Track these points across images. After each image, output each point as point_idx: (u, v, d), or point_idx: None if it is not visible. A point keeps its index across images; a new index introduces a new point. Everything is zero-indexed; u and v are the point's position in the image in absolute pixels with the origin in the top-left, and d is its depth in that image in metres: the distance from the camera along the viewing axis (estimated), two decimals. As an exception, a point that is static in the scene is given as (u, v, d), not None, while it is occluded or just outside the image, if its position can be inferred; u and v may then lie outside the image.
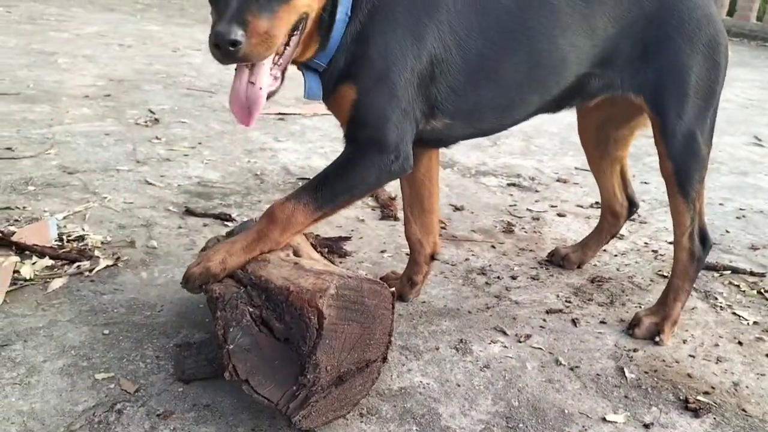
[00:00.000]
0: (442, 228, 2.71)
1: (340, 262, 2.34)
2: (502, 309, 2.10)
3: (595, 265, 2.49)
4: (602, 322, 2.08)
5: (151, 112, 4.08)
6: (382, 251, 2.47)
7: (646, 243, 2.76)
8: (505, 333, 1.96)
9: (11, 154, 3.08)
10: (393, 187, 3.09)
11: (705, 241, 2.00)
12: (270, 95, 1.50)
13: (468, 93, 1.75)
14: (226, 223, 2.58)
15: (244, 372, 1.44)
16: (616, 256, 2.60)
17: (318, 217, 1.67)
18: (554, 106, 1.93)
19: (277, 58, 1.49)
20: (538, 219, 2.91)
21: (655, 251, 2.68)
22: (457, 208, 2.96)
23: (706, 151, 1.92)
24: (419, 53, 1.65)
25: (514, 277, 2.33)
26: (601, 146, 2.31)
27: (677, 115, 1.84)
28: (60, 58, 5.32)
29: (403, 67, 1.63)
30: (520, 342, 1.92)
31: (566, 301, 2.20)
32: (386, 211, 2.81)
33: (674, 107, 1.84)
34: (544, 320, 2.06)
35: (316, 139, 3.87)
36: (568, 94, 1.88)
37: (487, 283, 2.27)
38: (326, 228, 2.62)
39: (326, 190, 1.65)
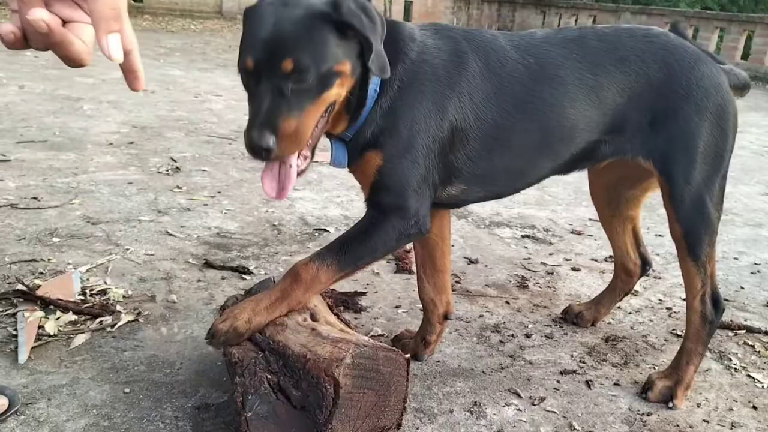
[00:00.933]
0: (456, 282, 2.75)
1: (356, 318, 2.38)
2: (516, 369, 2.12)
3: (609, 322, 2.50)
4: (616, 384, 2.09)
5: (173, 160, 4.18)
6: (397, 306, 2.50)
7: (660, 300, 2.77)
8: (519, 395, 1.97)
9: (37, 204, 3.18)
10: (408, 239, 3.14)
11: (717, 304, 2.01)
12: (301, 173, 1.59)
13: (483, 159, 1.83)
14: (243, 276, 2.63)
15: None
16: (630, 313, 2.61)
17: (339, 278, 1.74)
18: (565, 169, 2.00)
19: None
20: (552, 273, 2.94)
21: (669, 308, 2.69)
22: (471, 261, 2.99)
23: (716, 215, 1.96)
24: (441, 123, 1.73)
25: (528, 336, 2.35)
26: (612, 206, 2.36)
27: (685, 181, 1.90)
28: (85, 104, 5.48)
29: (426, 137, 1.72)
30: (534, 405, 1.94)
31: (580, 361, 2.21)
32: (401, 264, 2.85)
33: (683, 173, 1.90)
34: (558, 381, 2.07)
35: (333, 188, 3.94)
36: (578, 158, 1.95)
37: (501, 341, 2.29)
38: (342, 282, 2.65)
39: (349, 252, 1.71)
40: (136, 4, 14.31)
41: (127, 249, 2.78)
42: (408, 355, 1.63)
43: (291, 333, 1.63)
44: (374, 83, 1.66)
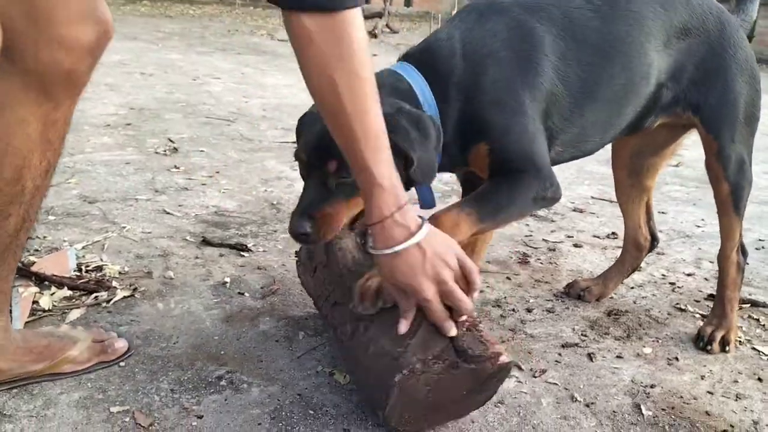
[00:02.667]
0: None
1: (355, 294, 2.35)
2: (517, 343, 2.09)
3: (611, 297, 2.47)
4: (618, 357, 2.06)
5: (171, 141, 4.14)
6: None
7: (663, 275, 2.74)
8: (519, 368, 1.95)
9: (50, 219, 3.13)
10: (408, 217, 3.11)
11: (745, 253, 2.19)
12: None
13: (576, 117, 1.81)
14: (242, 253, 2.60)
15: None
16: (632, 288, 2.58)
17: (479, 229, 1.68)
18: (639, 119, 1.98)
19: None
20: (554, 250, 2.90)
21: (672, 283, 2.65)
22: (472, 239, 2.95)
23: (751, 175, 2.08)
24: (532, 95, 1.71)
25: (529, 310, 2.32)
26: (633, 175, 2.34)
27: (731, 140, 1.97)
28: (83, 87, 5.43)
29: (524, 116, 1.69)
30: (535, 377, 1.91)
31: (582, 334, 2.18)
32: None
33: (729, 132, 1.97)
34: (560, 354, 2.04)
35: (333, 168, 3.90)
36: (649, 105, 1.94)
37: (502, 315, 2.26)
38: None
39: (488, 204, 1.68)
40: None
41: (124, 227, 2.75)
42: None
43: None
44: (432, 112, 1.67)
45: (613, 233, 3.14)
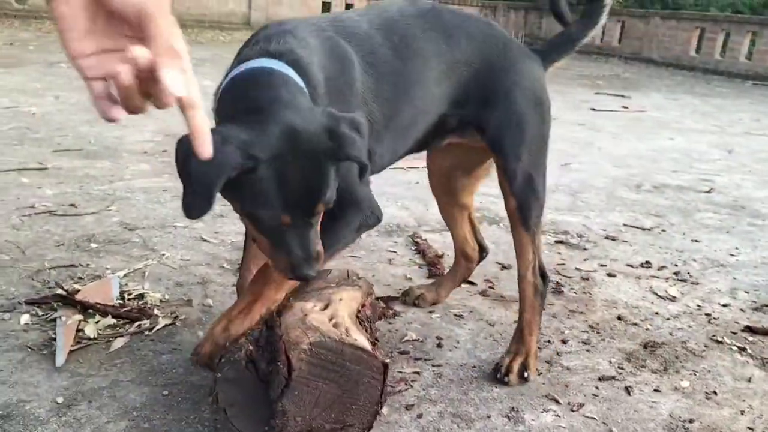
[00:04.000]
0: (490, 288, 2.73)
1: (389, 323, 2.37)
2: (553, 375, 2.09)
3: (647, 329, 2.46)
4: (656, 390, 2.05)
5: (205, 167, 4.23)
6: (431, 312, 2.49)
7: (698, 306, 2.71)
8: (557, 401, 1.95)
9: (75, 211, 3.23)
10: (440, 244, 3.13)
11: (544, 276, 2.16)
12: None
13: (380, 147, 1.89)
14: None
15: (224, 401, 1.54)
16: (668, 319, 2.56)
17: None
18: (424, 143, 2.11)
19: None
20: (587, 279, 2.90)
21: (708, 315, 2.63)
22: (504, 267, 2.96)
23: (543, 196, 2.12)
24: None
25: (564, 341, 2.32)
26: (450, 194, 2.49)
27: (516, 157, 2.05)
28: (119, 114, 5.57)
29: None
30: (572, 411, 1.91)
31: (619, 367, 2.17)
32: (433, 270, 2.84)
33: (513, 150, 2.04)
34: (597, 388, 2.04)
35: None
36: (436, 131, 2.06)
37: (537, 347, 2.26)
38: (375, 287, 2.65)
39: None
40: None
41: (164, 254, 2.81)
42: (387, 361, 1.63)
43: (290, 315, 1.65)
44: None
45: (647, 262, 3.13)
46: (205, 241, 3.02)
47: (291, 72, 1.60)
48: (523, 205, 2.07)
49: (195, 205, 1.38)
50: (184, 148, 1.30)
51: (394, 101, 1.89)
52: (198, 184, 1.35)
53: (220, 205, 3.59)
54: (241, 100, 1.52)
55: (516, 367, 2.06)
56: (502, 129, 2.04)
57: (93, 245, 2.83)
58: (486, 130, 2.04)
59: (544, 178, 2.13)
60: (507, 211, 2.11)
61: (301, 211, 1.47)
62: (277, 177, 1.42)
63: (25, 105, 5.60)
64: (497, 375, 2.06)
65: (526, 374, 2.05)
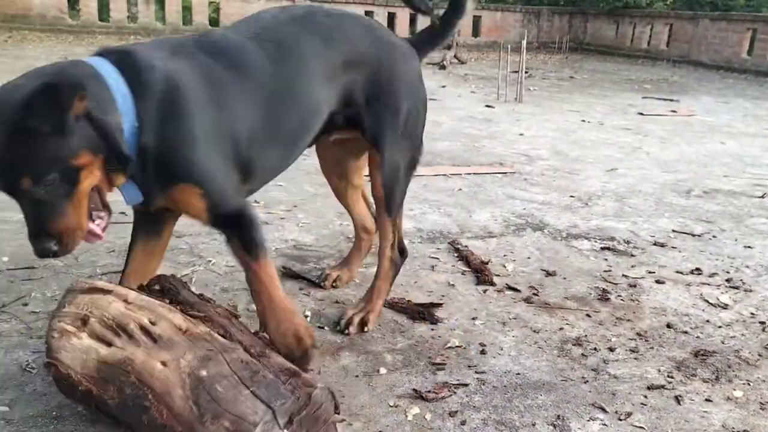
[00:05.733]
0: (534, 295, 2.69)
1: (432, 329, 2.37)
2: (600, 383, 2.05)
3: (697, 337, 2.39)
4: (708, 400, 1.99)
5: (250, 175, 4.30)
6: (474, 318, 2.47)
7: (752, 313, 2.63)
8: (604, 410, 1.91)
9: (125, 219, 3.30)
10: (483, 251, 3.11)
11: (403, 251, 2.46)
12: (104, 228, 1.70)
13: (265, 154, 1.98)
14: (318, 287, 2.67)
15: None
16: (720, 327, 2.49)
17: None
18: (314, 141, 2.24)
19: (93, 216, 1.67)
20: (635, 286, 2.83)
21: (762, 323, 2.54)
22: (548, 273, 2.92)
23: (406, 186, 2.37)
24: (222, 139, 1.83)
25: (611, 349, 2.27)
26: (343, 177, 2.66)
27: (389, 152, 2.24)
28: (167, 125, 5.71)
29: (217, 156, 1.81)
30: (620, 420, 1.87)
31: (668, 376, 2.12)
32: (480, 276, 2.81)
33: (388, 146, 2.23)
34: (645, 396, 1.99)
35: (405, 202, 3.89)
36: (323, 129, 2.16)
37: (583, 354, 2.23)
38: (417, 293, 2.66)
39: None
40: (212, 28, 14.87)
41: (210, 261, 2.86)
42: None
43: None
44: (128, 133, 1.65)
45: (698, 269, 3.04)
46: (250, 247, 3.06)
47: (106, 67, 1.65)
48: (390, 195, 2.29)
49: None
50: None
51: (276, 106, 1.94)
52: None
53: (265, 212, 3.65)
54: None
55: (357, 320, 2.32)
56: (380, 126, 2.21)
57: None
58: (365, 128, 2.21)
59: (410, 172, 2.37)
60: (373, 196, 2.35)
61: (10, 183, 1.51)
62: None
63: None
64: (338, 326, 2.33)
65: (366, 328, 2.31)
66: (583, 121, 7.15)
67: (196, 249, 2.99)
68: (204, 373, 1.52)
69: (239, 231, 1.88)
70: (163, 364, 1.55)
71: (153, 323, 1.63)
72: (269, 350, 1.70)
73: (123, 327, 1.62)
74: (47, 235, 1.54)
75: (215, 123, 1.79)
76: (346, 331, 2.29)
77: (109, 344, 1.60)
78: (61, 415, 1.75)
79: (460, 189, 4.27)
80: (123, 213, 3.38)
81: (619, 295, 2.74)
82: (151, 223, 2.01)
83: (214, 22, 15.01)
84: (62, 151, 1.51)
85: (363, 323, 2.31)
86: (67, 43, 12.14)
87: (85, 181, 1.58)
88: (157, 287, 1.83)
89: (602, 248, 3.29)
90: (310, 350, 1.90)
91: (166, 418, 1.49)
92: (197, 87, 1.77)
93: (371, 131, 2.21)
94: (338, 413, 1.67)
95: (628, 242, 3.39)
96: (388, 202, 2.30)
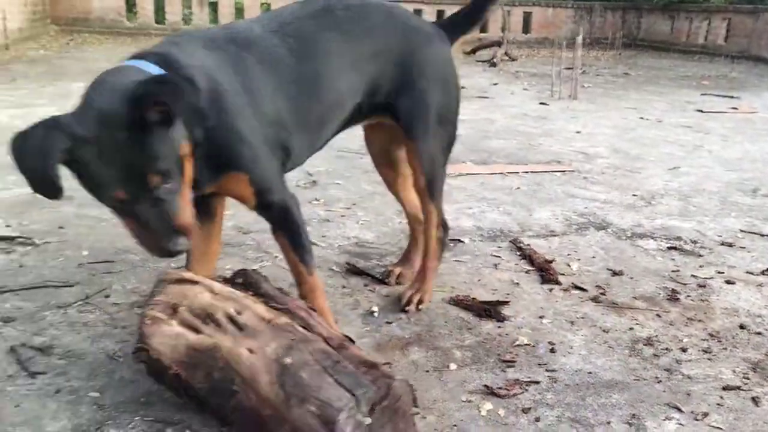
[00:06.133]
0: (601, 294, 2.67)
1: (499, 327, 2.38)
2: (674, 383, 2.03)
3: (773, 338, 2.34)
4: (787, 403, 1.95)
5: (309, 174, 4.37)
6: (541, 316, 2.47)
7: (830, 315, 2.55)
8: (679, 409, 1.89)
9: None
10: (545, 250, 3.10)
11: (446, 228, 2.58)
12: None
13: (296, 142, 2.06)
14: (383, 283, 2.70)
15: None
16: (796, 329, 2.43)
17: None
18: (342, 129, 2.29)
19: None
20: (704, 286, 2.78)
21: (842, 325, 2.47)
22: (615, 273, 2.90)
23: (445, 171, 2.47)
24: (263, 127, 1.92)
25: (684, 350, 2.24)
26: (392, 168, 2.69)
27: (426, 141, 2.30)
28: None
29: (260, 142, 1.90)
30: (696, 420, 1.85)
31: (744, 377, 2.08)
32: (545, 275, 2.80)
33: (423, 134, 2.29)
34: (721, 397, 1.96)
35: (463, 200, 3.95)
36: (351, 118, 2.24)
37: (655, 354, 2.21)
38: (481, 291, 2.67)
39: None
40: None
41: (277, 257, 2.93)
42: None
43: None
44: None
45: (768, 269, 2.97)
46: (313, 244, 3.11)
47: (151, 67, 1.68)
48: (431, 181, 2.37)
49: (44, 194, 1.52)
50: (13, 146, 1.46)
51: (301, 100, 1.99)
52: (34, 177, 1.47)
53: (325, 209, 3.71)
54: (85, 93, 1.61)
55: (415, 299, 2.47)
56: (413, 116, 2.26)
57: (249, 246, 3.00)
58: (398, 114, 2.26)
59: (448, 153, 2.44)
60: (415, 187, 2.44)
61: (135, 186, 1.53)
62: (98, 155, 1.49)
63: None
64: (401, 304, 2.46)
65: (421, 306, 2.46)
66: (641, 118, 7.01)
67: (263, 245, 3.06)
68: (288, 360, 1.57)
69: (287, 226, 2.04)
70: (250, 351, 1.60)
71: (239, 313, 1.69)
72: (347, 343, 1.74)
73: (211, 316, 1.69)
74: (176, 232, 1.59)
75: (255, 114, 1.89)
76: (406, 309, 2.43)
77: (198, 332, 1.67)
78: (149, 402, 1.83)
79: (518, 187, 4.25)
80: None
81: (688, 296, 2.69)
82: (201, 208, 2.08)
83: (265, 22, 15.28)
84: (175, 143, 1.58)
85: (420, 302, 2.46)
86: (125, 45, 12.49)
87: (188, 172, 1.66)
88: (240, 280, 1.89)
89: (669, 248, 3.23)
90: None
91: (253, 402, 1.54)
92: (236, 80, 1.86)
93: (405, 119, 2.27)
94: (416, 406, 1.70)
95: (694, 242, 3.33)
96: (431, 189, 2.40)
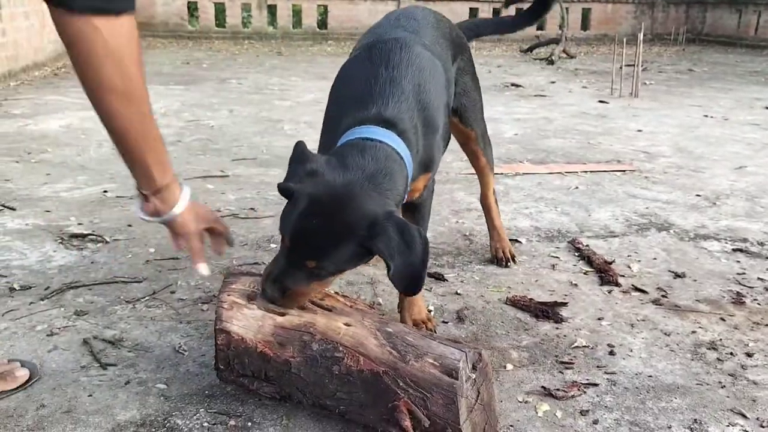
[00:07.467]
0: (663, 296, 2.62)
1: (557, 328, 2.36)
2: (738, 389, 1.98)
3: None
4: None
5: (366, 173, 4.43)
6: (600, 318, 2.44)
7: None
8: (744, 416, 1.84)
9: (255, 214, 3.52)
10: (604, 251, 3.05)
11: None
12: None
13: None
14: (440, 281, 2.72)
15: None
16: None
17: None
18: None
19: None
20: (772, 290, 2.69)
21: None
22: (677, 275, 2.83)
23: (491, 146, 2.85)
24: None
25: (749, 354, 2.18)
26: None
27: (480, 128, 2.71)
28: (285, 125, 5.97)
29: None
30: (762, 427, 1.80)
31: (814, 385, 2.01)
32: (605, 277, 2.76)
33: (477, 124, 2.67)
34: (790, 405, 1.90)
35: (520, 199, 3.92)
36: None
37: (718, 359, 2.15)
38: (539, 292, 2.65)
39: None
40: (320, 31, 15.29)
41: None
42: None
43: None
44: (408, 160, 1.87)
45: (842, 273, 2.84)
46: (371, 243, 3.16)
47: (394, 138, 1.81)
48: (489, 159, 2.82)
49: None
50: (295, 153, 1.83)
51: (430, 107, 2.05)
52: (287, 179, 1.78)
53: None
54: (339, 153, 1.78)
55: (505, 256, 2.89)
56: (469, 110, 2.58)
57: (272, 245, 3.07)
58: (459, 111, 2.54)
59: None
60: (476, 167, 2.85)
61: (298, 251, 1.64)
62: (302, 211, 1.62)
63: (204, 118, 6.16)
64: (500, 262, 2.89)
65: (510, 263, 2.89)
66: (706, 116, 6.79)
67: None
68: (390, 329, 1.67)
69: (425, 206, 2.24)
70: (347, 324, 1.69)
71: (321, 299, 1.77)
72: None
73: None
74: (282, 293, 1.70)
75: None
76: (507, 264, 2.87)
77: (282, 315, 1.74)
78: (212, 394, 1.90)
79: (577, 187, 4.19)
80: (252, 209, 3.60)
81: (755, 299, 2.61)
82: None
83: (321, 24, 15.43)
84: (354, 259, 1.70)
85: (511, 256, 2.91)
86: (188, 48, 12.87)
87: (333, 280, 1.81)
88: None
89: (734, 250, 3.14)
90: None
91: (363, 364, 1.60)
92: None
93: (463, 114, 2.57)
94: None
95: (762, 244, 3.22)
96: (491, 165, 2.85)
